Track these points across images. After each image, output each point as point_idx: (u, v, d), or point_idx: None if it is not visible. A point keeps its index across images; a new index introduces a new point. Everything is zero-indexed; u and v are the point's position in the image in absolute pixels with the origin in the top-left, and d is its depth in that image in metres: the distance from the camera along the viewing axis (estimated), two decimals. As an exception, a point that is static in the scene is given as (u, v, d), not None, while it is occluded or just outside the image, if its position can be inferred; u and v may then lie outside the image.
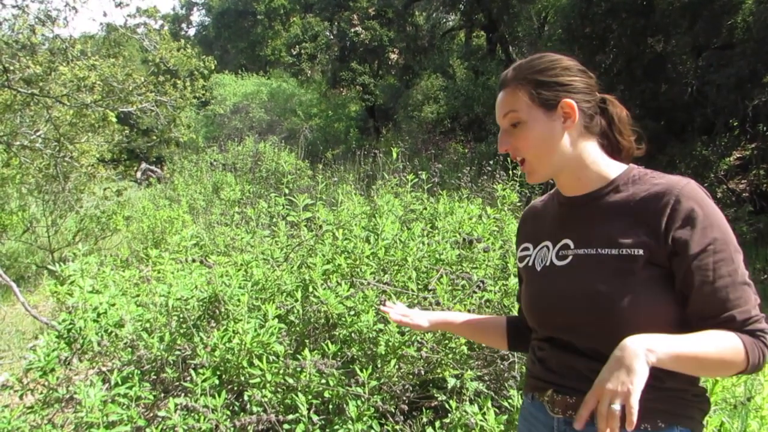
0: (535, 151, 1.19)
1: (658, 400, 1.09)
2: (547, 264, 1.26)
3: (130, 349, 2.64)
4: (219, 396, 2.28)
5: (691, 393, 1.13)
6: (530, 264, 1.32)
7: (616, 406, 0.96)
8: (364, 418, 2.33)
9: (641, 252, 1.10)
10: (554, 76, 1.19)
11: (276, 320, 2.59)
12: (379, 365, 2.57)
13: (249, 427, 2.30)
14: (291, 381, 2.43)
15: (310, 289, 2.82)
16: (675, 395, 1.11)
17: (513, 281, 2.79)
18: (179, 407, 2.25)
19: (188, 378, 2.45)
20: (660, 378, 1.07)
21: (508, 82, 1.22)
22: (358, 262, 3.07)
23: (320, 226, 3.43)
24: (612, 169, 1.22)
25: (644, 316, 1.09)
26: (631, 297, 1.09)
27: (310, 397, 2.39)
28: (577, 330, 1.17)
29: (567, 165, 1.21)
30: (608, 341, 1.10)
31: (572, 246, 1.21)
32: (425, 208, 4.01)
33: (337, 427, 2.35)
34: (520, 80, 1.20)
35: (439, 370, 2.67)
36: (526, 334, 1.41)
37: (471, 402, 2.48)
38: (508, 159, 5.29)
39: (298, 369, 2.40)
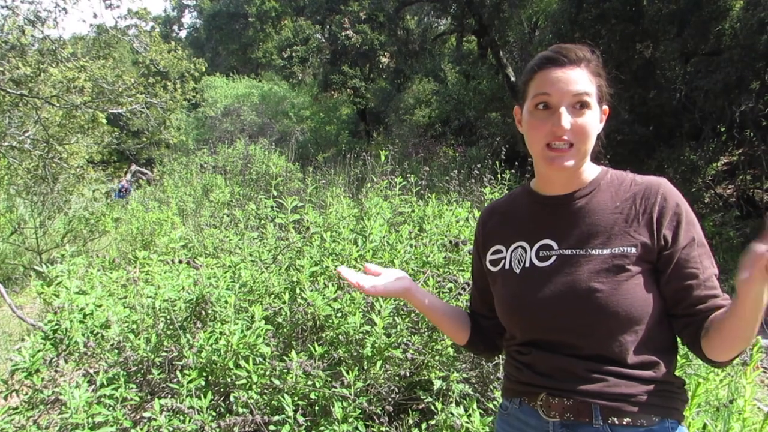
0: (586, 139, 1.17)
1: (654, 394, 1.12)
2: (527, 265, 1.25)
3: (116, 351, 2.63)
4: (205, 397, 2.28)
5: (675, 385, 1.17)
6: (506, 266, 1.29)
7: None
8: (350, 420, 2.34)
9: (634, 250, 1.14)
10: (606, 82, 1.24)
11: (263, 322, 2.59)
12: (365, 367, 2.58)
13: (235, 428, 2.30)
14: (277, 382, 2.43)
15: (298, 291, 2.83)
16: (665, 388, 1.14)
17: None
18: (165, 408, 2.25)
19: (174, 379, 2.45)
20: (656, 368, 1.13)
21: (582, 63, 1.18)
22: (345, 264, 3.08)
23: (308, 228, 3.44)
24: (591, 170, 1.26)
25: (639, 311, 1.12)
26: (627, 294, 1.12)
27: (296, 398, 2.40)
28: (569, 331, 1.16)
29: (584, 161, 1.23)
30: (605, 340, 1.13)
31: (555, 246, 1.22)
32: (413, 211, 4.02)
33: (323, 428, 2.36)
34: (593, 69, 1.20)
35: (425, 372, 2.69)
36: (485, 334, 1.44)
37: (457, 404, 2.49)
38: (497, 163, 5.35)
39: (285, 370, 2.41)
